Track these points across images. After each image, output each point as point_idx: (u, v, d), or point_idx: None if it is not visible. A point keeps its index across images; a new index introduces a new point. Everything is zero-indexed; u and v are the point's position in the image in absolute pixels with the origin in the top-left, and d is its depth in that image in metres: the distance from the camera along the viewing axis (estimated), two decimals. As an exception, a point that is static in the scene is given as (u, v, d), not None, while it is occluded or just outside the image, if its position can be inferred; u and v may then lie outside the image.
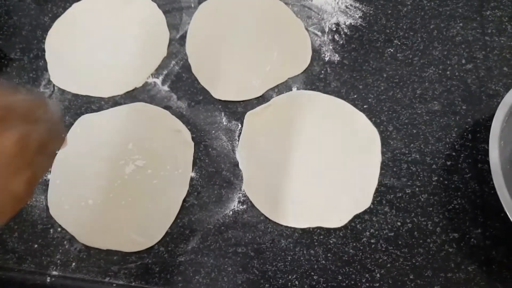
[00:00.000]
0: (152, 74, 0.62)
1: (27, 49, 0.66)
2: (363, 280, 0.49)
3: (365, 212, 0.52)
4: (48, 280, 0.52)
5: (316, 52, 0.62)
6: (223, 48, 0.63)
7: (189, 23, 0.65)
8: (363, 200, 0.53)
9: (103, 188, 0.55)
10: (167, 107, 0.60)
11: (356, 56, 0.61)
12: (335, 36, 0.63)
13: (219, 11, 0.66)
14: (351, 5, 0.65)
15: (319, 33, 0.63)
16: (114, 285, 0.51)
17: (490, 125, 0.48)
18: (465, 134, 0.56)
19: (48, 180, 0.56)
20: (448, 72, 0.59)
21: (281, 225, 0.52)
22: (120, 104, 0.60)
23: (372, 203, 0.52)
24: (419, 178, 0.53)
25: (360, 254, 0.50)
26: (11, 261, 0.53)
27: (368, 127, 0.56)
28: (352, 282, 0.49)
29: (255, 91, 0.60)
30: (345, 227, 0.52)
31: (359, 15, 0.64)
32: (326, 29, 0.63)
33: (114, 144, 0.57)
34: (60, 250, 0.53)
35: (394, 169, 0.54)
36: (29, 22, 0.68)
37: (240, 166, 0.55)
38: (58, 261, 0.52)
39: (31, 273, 0.52)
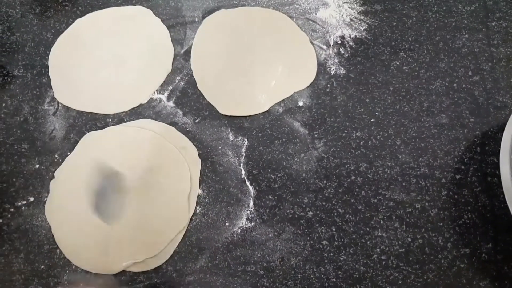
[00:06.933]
0: (157, 90, 0.62)
1: (30, 66, 0.65)
2: (375, 298, 0.49)
3: (374, 227, 0.52)
4: (55, 302, 0.51)
5: (322, 66, 0.61)
6: (228, 63, 0.62)
7: (194, 38, 0.65)
8: None
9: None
10: (172, 123, 0.59)
11: (362, 69, 0.61)
12: (341, 49, 0.62)
13: (223, 25, 0.65)
14: (355, 17, 0.64)
15: (324, 47, 0.63)
16: (123, 306, 0.50)
17: (499, 138, 0.48)
18: (473, 147, 0.55)
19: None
20: (455, 85, 0.59)
21: (291, 243, 0.51)
22: (125, 121, 0.60)
23: (382, 218, 0.52)
24: (429, 193, 0.53)
25: (371, 271, 0.50)
26: (17, 283, 0.52)
27: None
28: (364, 300, 0.49)
29: (261, 106, 0.59)
30: (355, 243, 0.51)
31: (364, 27, 0.64)
32: (331, 42, 0.63)
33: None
34: (67, 271, 0.52)
35: (403, 184, 0.54)
36: (32, 39, 0.68)
37: None
38: (66, 282, 0.51)
39: (38, 294, 0.51)
